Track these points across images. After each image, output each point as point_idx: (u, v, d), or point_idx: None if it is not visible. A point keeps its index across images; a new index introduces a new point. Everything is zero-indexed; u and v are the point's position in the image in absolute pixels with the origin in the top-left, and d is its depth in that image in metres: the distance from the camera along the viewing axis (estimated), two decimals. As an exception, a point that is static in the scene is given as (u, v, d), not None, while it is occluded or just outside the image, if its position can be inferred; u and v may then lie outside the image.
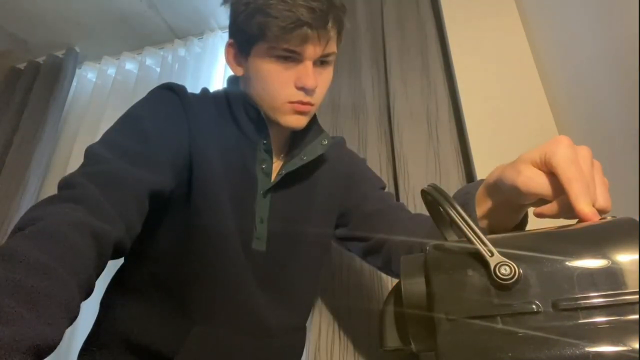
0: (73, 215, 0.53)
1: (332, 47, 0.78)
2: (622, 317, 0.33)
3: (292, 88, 0.76)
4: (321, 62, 0.78)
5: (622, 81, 0.94)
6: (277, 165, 0.85)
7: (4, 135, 2.21)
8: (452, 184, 1.37)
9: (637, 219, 0.38)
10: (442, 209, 0.45)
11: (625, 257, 0.35)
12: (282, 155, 0.88)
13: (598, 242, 0.37)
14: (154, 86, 0.83)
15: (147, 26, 2.25)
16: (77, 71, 2.42)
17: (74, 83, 2.38)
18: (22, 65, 2.50)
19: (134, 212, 0.62)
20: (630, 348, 0.32)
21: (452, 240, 0.48)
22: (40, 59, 2.46)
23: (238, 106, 0.82)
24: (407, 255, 0.47)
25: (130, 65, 2.35)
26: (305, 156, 0.82)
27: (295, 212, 0.84)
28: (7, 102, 2.35)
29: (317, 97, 0.79)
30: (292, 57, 0.75)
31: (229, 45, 0.83)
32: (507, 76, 1.43)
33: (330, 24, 0.74)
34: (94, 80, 2.38)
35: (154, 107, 0.77)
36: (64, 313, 0.44)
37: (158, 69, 2.25)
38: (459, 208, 0.43)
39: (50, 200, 0.57)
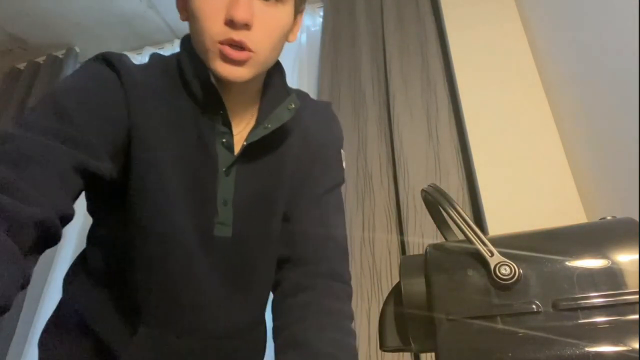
0: None
1: None
2: (622, 317, 0.33)
3: (220, 24, 0.62)
4: None
5: (622, 81, 0.94)
6: (241, 137, 0.72)
7: (4, 135, 2.21)
8: (452, 184, 1.37)
9: (637, 219, 0.38)
10: (442, 209, 0.45)
11: (625, 257, 0.35)
12: (247, 125, 0.74)
13: (598, 242, 0.37)
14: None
15: (147, 26, 2.25)
16: (77, 71, 2.43)
17: (74, 83, 2.38)
18: (22, 66, 2.50)
19: (56, 188, 0.53)
20: (630, 348, 0.32)
21: (451, 241, 0.48)
22: (40, 59, 2.46)
23: (189, 68, 0.69)
24: (407, 255, 0.47)
25: (130, 65, 2.35)
26: (269, 124, 0.70)
27: (263, 189, 0.73)
28: (7, 103, 2.35)
29: (257, 41, 0.63)
30: None
31: None
32: (506, 76, 1.43)
33: None
34: (94, 80, 2.38)
35: (83, 83, 0.65)
36: None
37: (158, 69, 2.25)
38: (459, 208, 0.43)
39: None
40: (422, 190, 0.49)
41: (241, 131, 0.73)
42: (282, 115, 0.71)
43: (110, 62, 0.67)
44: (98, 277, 0.72)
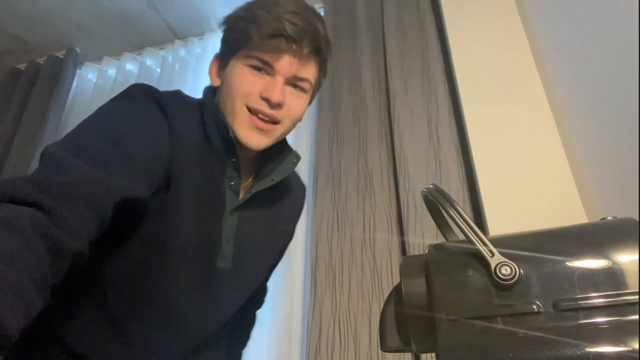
0: (32, 214, 0.47)
1: (308, 72, 0.77)
2: (622, 318, 0.33)
3: (255, 95, 0.73)
4: (294, 85, 0.76)
5: (622, 79, 0.94)
6: (244, 183, 0.82)
7: (4, 136, 2.21)
8: (452, 184, 1.36)
9: (638, 219, 0.38)
10: (442, 209, 0.45)
11: (625, 258, 0.35)
12: (251, 174, 0.85)
13: (598, 242, 0.37)
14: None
15: (148, 26, 2.25)
16: (78, 72, 2.43)
17: (75, 84, 2.38)
18: (22, 66, 2.51)
19: (93, 223, 0.54)
20: (630, 348, 0.32)
21: (452, 241, 0.48)
22: (41, 60, 2.46)
23: (210, 120, 0.78)
24: (408, 256, 0.47)
25: (130, 66, 2.35)
26: (276, 176, 0.81)
27: (259, 233, 0.84)
28: (8, 103, 2.35)
29: (284, 118, 0.75)
30: (265, 69, 0.74)
31: (215, 57, 0.85)
32: (507, 76, 1.43)
33: (306, 42, 0.73)
34: (95, 80, 2.38)
35: (139, 117, 0.71)
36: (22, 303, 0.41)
37: (158, 70, 2.25)
38: (459, 208, 0.43)
39: None
40: (423, 191, 0.49)
41: (245, 179, 0.82)
42: (287, 168, 0.82)
43: (160, 102, 0.75)
44: (85, 296, 0.71)
